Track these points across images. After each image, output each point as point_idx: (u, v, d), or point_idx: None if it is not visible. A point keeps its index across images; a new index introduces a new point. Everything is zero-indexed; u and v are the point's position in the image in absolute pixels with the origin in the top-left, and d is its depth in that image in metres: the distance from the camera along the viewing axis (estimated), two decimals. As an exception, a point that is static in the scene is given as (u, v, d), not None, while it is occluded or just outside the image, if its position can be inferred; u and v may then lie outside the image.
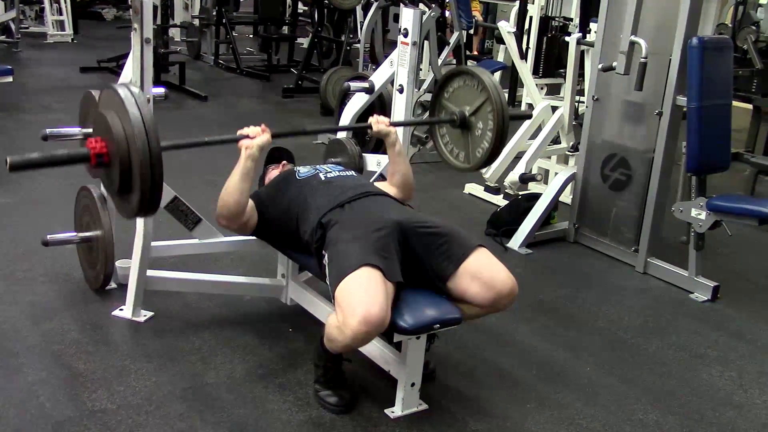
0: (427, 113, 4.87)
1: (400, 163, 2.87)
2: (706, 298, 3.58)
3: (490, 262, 2.42)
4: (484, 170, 4.62)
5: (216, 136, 2.53)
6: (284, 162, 3.02)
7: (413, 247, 2.41)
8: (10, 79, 5.44)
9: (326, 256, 2.37)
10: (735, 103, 3.91)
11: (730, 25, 5.99)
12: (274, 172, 2.93)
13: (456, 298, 2.40)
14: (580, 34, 4.61)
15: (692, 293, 3.63)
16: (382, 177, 3.32)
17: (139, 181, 1.95)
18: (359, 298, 2.16)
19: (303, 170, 2.76)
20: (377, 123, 2.81)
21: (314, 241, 2.47)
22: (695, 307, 3.54)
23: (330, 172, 2.71)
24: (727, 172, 3.78)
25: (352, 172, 2.82)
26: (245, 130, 2.55)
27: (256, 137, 2.53)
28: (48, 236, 3.10)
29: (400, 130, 3.07)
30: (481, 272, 2.37)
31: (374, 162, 3.42)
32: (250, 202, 2.63)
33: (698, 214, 3.53)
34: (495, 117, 2.79)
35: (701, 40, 3.43)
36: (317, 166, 2.79)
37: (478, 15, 9.45)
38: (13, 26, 9.02)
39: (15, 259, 3.38)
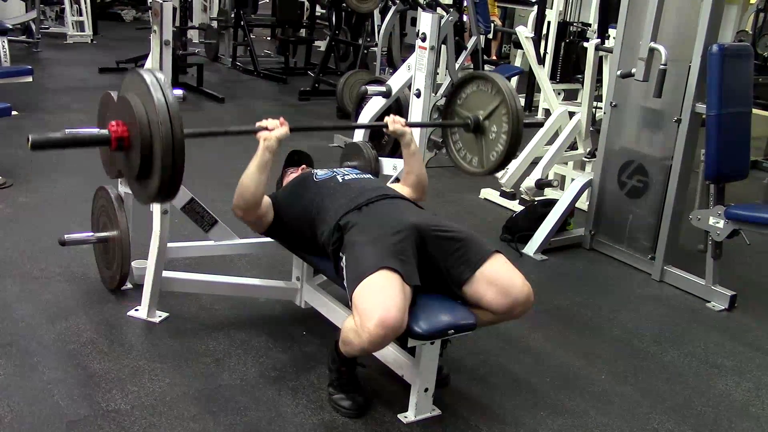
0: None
1: (414, 163, 2.88)
2: (723, 308, 3.55)
3: (506, 269, 2.41)
4: (500, 175, 4.61)
5: (236, 126, 2.62)
6: (303, 165, 3.03)
7: (430, 251, 2.40)
8: (29, 79, 5.47)
9: (343, 258, 2.37)
10: (754, 111, 3.88)
11: (750, 32, 5.94)
12: (292, 176, 2.94)
13: (471, 304, 2.39)
14: (599, 39, 4.59)
15: (709, 302, 3.60)
16: (397, 180, 3.32)
17: (161, 167, 1.94)
18: (377, 301, 2.15)
19: (320, 172, 2.77)
20: (393, 122, 2.84)
21: (331, 243, 2.47)
22: (712, 316, 3.51)
23: (347, 174, 2.73)
24: (745, 181, 3.75)
25: (370, 175, 2.82)
26: (264, 122, 2.58)
27: (274, 129, 2.56)
28: (65, 236, 3.12)
29: (416, 131, 3.06)
30: (498, 279, 2.37)
31: (390, 166, 3.42)
32: (267, 199, 2.66)
33: (716, 222, 3.50)
34: (510, 119, 2.76)
35: (721, 47, 3.40)
36: (335, 169, 2.80)
37: (496, 20, 9.45)
38: (33, 26, 9.12)
39: (32, 258, 3.41)
